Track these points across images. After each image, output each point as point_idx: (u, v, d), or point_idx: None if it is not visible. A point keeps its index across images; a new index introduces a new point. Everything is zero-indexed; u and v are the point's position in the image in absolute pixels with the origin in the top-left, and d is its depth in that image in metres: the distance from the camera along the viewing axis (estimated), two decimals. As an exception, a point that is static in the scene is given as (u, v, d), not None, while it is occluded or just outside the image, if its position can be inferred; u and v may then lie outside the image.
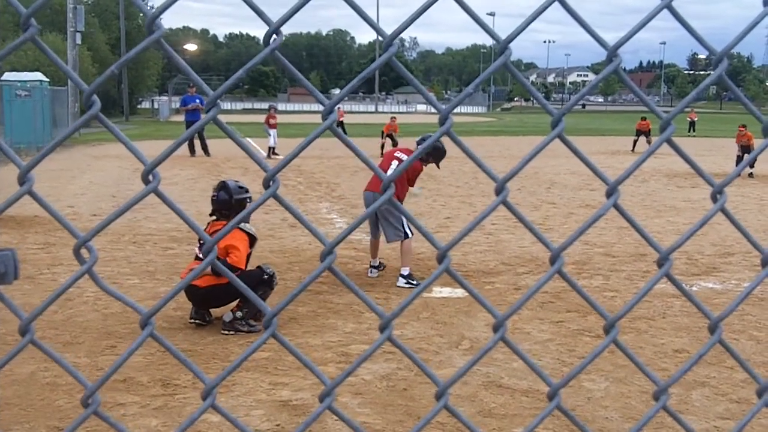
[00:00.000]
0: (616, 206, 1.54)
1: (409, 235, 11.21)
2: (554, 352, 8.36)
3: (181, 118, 35.15)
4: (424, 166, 11.82)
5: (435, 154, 11.47)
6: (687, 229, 1.65)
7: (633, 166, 1.53)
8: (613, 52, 1.49)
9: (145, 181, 1.33)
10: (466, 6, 1.40)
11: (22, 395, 6.96)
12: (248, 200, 9.25)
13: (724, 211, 1.63)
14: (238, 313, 8.81)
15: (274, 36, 1.32)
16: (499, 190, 1.45)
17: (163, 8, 1.30)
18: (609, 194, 1.52)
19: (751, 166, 27.46)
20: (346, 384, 7.22)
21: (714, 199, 1.62)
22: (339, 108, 56.10)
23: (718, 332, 1.70)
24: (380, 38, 1.43)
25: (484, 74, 1.49)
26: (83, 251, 1.35)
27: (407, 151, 11.58)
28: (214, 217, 9.28)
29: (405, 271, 11.34)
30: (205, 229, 9.24)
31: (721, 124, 74.32)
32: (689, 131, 58.88)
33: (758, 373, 7.76)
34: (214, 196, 9.25)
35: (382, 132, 36.43)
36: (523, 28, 1.40)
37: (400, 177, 11.29)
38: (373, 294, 10.59)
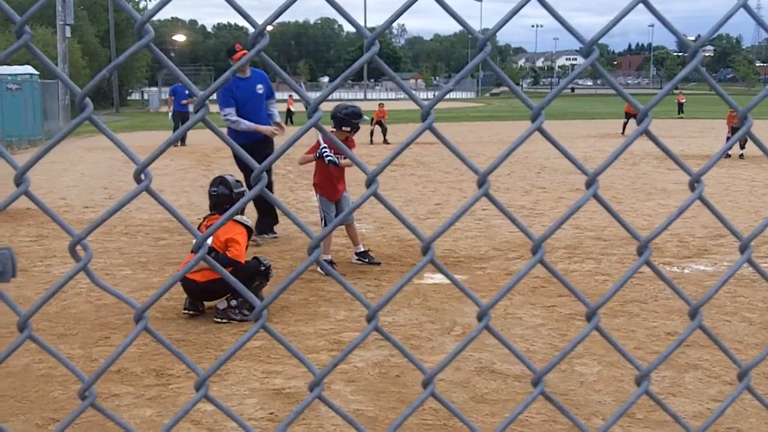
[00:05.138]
0: (596, 197, 1.57)
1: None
2: (546, 336, 8.39)
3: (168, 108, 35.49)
4: (349, 135, 11.43)
5: (348, 122, 11.29)
6: (674, 213, 1.68)
7: (611, 157, 1.56)
8: (589, 47, 1.53)
9: (137, 180, 1.36)
10: (444, 4, 1.44)
11: (17, 387, 6.98)
12: (245, 193, 9.29)
13: (702, 200, 1.66)
14: (233, 302, 8.83)
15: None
16: (482, 182, 1.49)
17: (152, 13, 1.33)
18: (588, 185, 1.56)
19: (742, 147, 27.50)
20: (338, 371, 7.26)
21: (692, 187, 1.66)
22: (290, 96, 55.61)
23: (698, 318, 1.74)
24: (366, 31, 1.46)
25: (463, 72, 1.52)
26: (78, 248, 1.39)
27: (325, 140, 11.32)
28: (210, 212, 9.31)
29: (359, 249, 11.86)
30: (202, 223, 9.29)
31: (711, 105, 74.31)
32: (679, 113, 59.05)
33: (751, 355, 7.81)
34: (213, 191, 9.25)
35: (372, 119, 36.28)
36: (501, 27, 1.44)
37: (325, 168, 11.40)
38: (364, 281, 10.62)
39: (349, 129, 11.23)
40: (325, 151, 11.17)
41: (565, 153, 1.55)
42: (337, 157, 11.23)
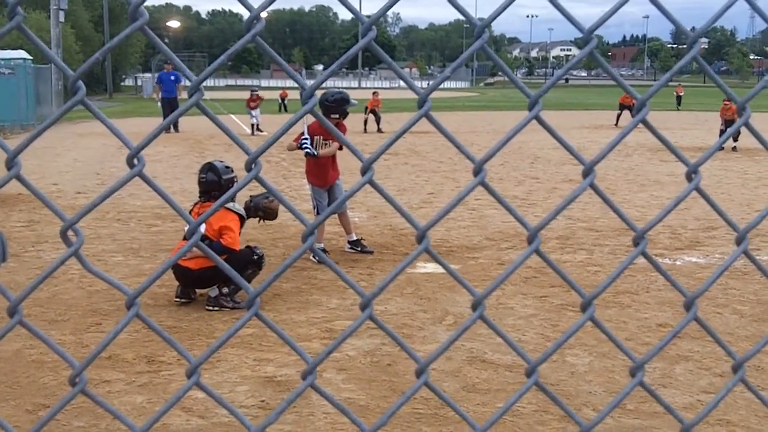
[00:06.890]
0: (593, 186, 1.56)
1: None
2: (538, 327, 8.40)
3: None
4: (339, 122, 11.35)
5: (336, 108, 11.27)
6: (670, 203, 1.68)
7: (608, 147, 1.55)
8: (587, 35, 1.51)
9: (130, 165, 1.35)
10: (444, -9, 1.42)
11: (8, 372, 6.97)
12: (235, 179, 9.26)
13: (699, 191, 1.66)
14: (225, 289, 8.83)
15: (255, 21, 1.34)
16: (477, 171, 1.48)
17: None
18: (585, 174, 1.55)
19: (735, 140, 27.49)
20: (330, 360, 7.25)
21: (689, 178, 1.65)
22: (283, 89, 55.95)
23: (693, 310, 1.73)
24: (363, 16, 1.45)
25: (460, 59, 1.51)
26: (70, 233, 1.37)
27: (321, 131, 11.29)
28: (200, 199, 9.27)
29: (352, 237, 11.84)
30: (192, 210, 9.26)
31: (705, 97, 74.33)
32: (677, 106, 58.90)
33: (742, 348, 7.82)
34: (202, 178, 9.19)
35: (366, 108, 36.20)
36: (498, 14, 1.42)
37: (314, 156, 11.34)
38: (356, 270, 10.61)
39: (337, 116, 11.19)
40: (304, 143, 11.11)
41: (562, 142, 1.54)
42: (322, 143, 11.19)
